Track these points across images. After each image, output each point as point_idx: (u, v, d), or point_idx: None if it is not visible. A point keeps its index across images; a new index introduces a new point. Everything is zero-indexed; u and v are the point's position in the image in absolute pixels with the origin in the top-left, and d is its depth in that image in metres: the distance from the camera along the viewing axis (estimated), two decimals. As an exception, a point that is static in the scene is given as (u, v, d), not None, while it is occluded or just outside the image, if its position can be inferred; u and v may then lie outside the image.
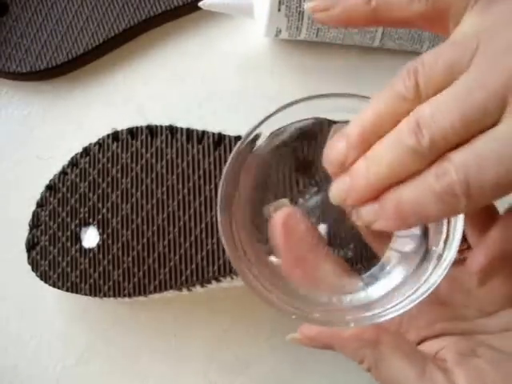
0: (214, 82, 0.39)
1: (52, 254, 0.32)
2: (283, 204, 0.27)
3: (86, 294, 0.32)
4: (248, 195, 0.26)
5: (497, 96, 0.20)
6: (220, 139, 0.33)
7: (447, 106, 0.21)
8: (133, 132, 0.33)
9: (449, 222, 0.25)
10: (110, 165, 0.33)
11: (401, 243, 0.26)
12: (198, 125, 0.34)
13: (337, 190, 0.23)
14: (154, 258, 0.32)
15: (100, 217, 0.32)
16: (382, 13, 0.26)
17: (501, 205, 0.24)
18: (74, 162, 0.33)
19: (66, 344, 0.35)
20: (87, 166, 0.33)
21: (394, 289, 0.25)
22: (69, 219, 0.33)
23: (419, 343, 0.27)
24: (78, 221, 0.32)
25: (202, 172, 0.33)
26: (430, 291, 0.24)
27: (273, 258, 0.26)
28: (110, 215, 0.32)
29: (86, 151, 0.33)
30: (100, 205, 0.32)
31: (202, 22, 0.40)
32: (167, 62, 0.40)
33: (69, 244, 0.32)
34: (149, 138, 0.33)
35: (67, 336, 0.35)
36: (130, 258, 0.32)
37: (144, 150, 0.33)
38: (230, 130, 0.34)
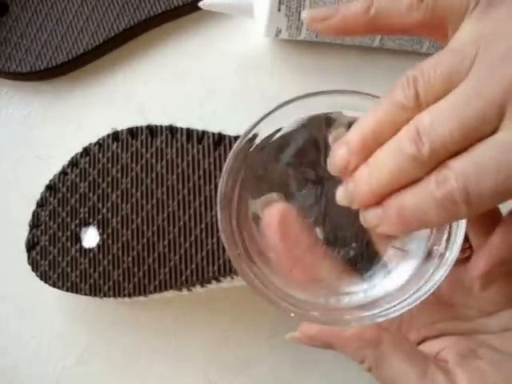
0: (213, 81, 0.39)
1: (52, 253, 0.32)
2: (272, 199, 0.27)
3: (86, 294, 0.32)
4: (247, 194, 0.26)
5: (495, 104, 0.21)
6: (220, 139, 0.33)
7: (446, 115, 0.21)
8: (133, 132, 0.33)
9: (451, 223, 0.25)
10: (110, 165, 0.33)
11: (403, 242, 0.26)
12: (198, 125, 0.34)
13: (343, 195, 0.24)
14: (153, 258, 0.32)
15: (100, 217, 0.32)
16: (381, 21, 0.26)
17: (503, 207, 0.24)
18: (74, 162, 0.33)
19: (66, 344, 0.35)
20: (87, 165, 0.33)
21: (394, 289, 0.25)
22: (69, 219, 0.33)
23: (420, 343, 0.27)
24: (77, 221, 0.32)
25: (201, 172, 0.33)
26: (431, 291, 0.24)
27: (272, 256, 0.26)
28: (110, 215, 0.32)
29: (86, 151, 0.33)
30: (100, 205, 0.32)
31: (202, 22, 0.40)
32: (167, 62, 0.40)
33: (69, 244, 0.32)
34: (149, 138, 0.33)
35: (67, 336, 0.35)
36: (130, 258, 0.32)
37: (144, 150, 0.33)
38: (230, 130, 0.34)
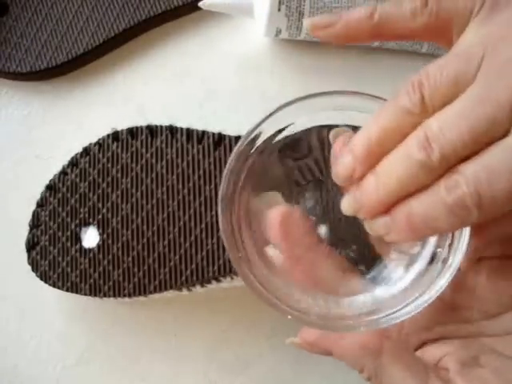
0: (214, 82, 0.39)
1: (52, 253, 0.32)
2: (274, 197, 0.27)
3: (86, 294, 0.32)
4: (249, 192, 0.26)
5: (505, 107, 0.20)
6: (220, 139, 0.33)
7: (455, 119, 0.21)
8: (133, 132, 0.33)
9: None
10: (110, 165, 0.33)
11: (406, 245, 0.26)
12: (197, 125, 0.34)
13: (348, 204, 0.23)
14: (154, 258, 0.32)
15: (100, 217, 0.32)
16: (385, 27, 0.26)
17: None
18: (74, 162, 0.33)
19: (66, 344, 0.35)
20: (87, 165, 0.33)
21: (397, 293, 0.25)
22: (69, 219, 0.33)
23: (421, 346, 0.26)
24: (78, 221, 0.32)
25: (202, 172, 0.33)
26: (435, 297, 0.24)
27: (273, 257, 0.26)
28: (110, 215, 0.32)
29: (86, 151, 0.33)
30: (100, 205, 0.32)
31: (202, 22, 0.40)
32: (167, 61, 0.40)
33: (69, 244, 0.32)
34: (149, 138, 0.33)
35: (67, 336, 0.35)
36: (130, 258, 0.32)
37: (144, 150, 0.33)
38: (230, 130, 0.34)
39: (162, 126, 0.33)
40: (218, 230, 0.32)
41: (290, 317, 0.24)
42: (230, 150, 0.33)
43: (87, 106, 0.39)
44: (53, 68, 0.38)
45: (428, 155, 0.21)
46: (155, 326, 0.35)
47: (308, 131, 0.27)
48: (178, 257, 0.32)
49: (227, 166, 0.25)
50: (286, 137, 0.26)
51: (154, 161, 0.33)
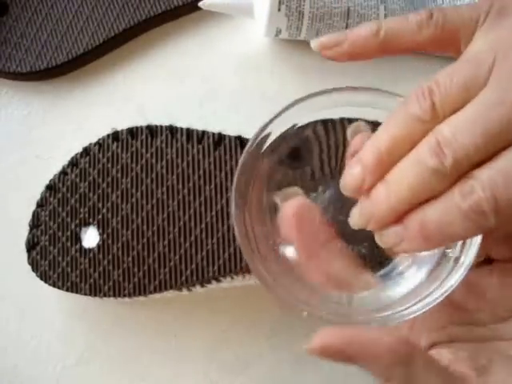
0: (214, 82, 0.39)
1: (52, 253, 0.32)
2: (294, 192, 0.27)
3: (86, 294, 0.32)
4: (262, 187, 0.26)
5: None
6: (220, 139, 0.33)
7: (468, 124, 0.21)
8: (133, 132, 0.33)
9: None
10: (110, 165, 0.33)
11: None
12: (197, 125, 0.34)
13: (358, 216, 0.23)
14: (153, 258, 0.32)
15: (100, 217, 0.32)
16: (391, 42, 0.26)
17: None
18: (74, 162, 0.33)
19: (65, 344, 0.35)
20: (87, 165, 0.33)
21: (408, 290, 0.25)
22: (69, 219, 0.33)
23: (430, 347, 0.26)
24: (78, 221, 0.32)
25: (201, 172, 0.33)
26: (446, 294, 0.23)
27: (285, 253, 0.26)
28: (110, 215, 0.32)
29: (86, 151, 0.33)
30: (100, 205, 0.32)
31: (202, 22, 0.40)
32: (167, 61, 0.40)
33: (69, 244, 0.32)
34: (149, 138, 0.33)
35: (67, 336, 0.35)
36: (130, 258, 0.32)
37: (144, 150, 0.33)
38: (230, 130, 0.33)
39: (162, 126, 0.33)
40: (218, 230, 0.32)
41: (305, 313, 0.24)
42: (230, 150, 0.33)
43: (87, 106, 0.39)
44: (53, 68, 0.38)
45: (440, 161, 0.21)
46: (155, 326, 0.35)
47: (323, 127, 0.27)
48: (178, 257, 0.32)
49: (240, 162, 0.25)
50: (300, 133, 0.26)
51: (154, 161, 0.33)
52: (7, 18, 0.39)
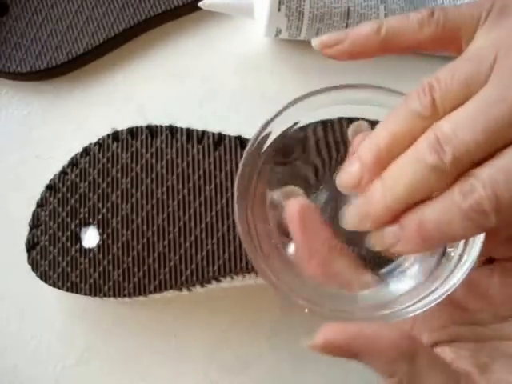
0: (214, 81, 0.39)
1: (52, 253, 0.32)
2: (295, 191, 0.27)
3: (86, 294, 0.32)
4: (265, 185, 0.26)
5: None
6: (220, 139, 0.33)
7: (469, 120, 0.20)
8: (133, 132, 0.33)
9: None
10: (110, 165, 0.33)
11: None
12: (197, 125, 0.34)
13: (353, 215, 0.23)
14: (153, 258, 0.32)
15: (100, 217, 0.32)
16: (392, 41, 0.26)
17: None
18: (74, 162, 0.33)
19: (65, 344, 0.35)
20: (87, 165, 0.33)
21: (409, 289, 0.25)
22: (69, 219, 0.33)
23: (432, 346, 0.26)
24: (78, 221, 0.32)
25: (201, 172, 0.33)
26: (448, 293, 0.23)
27: (288, 251, 0.26)
28: (110, 215, 0.32)
29: (86, 151, 0.33)
30: (100, 205, 0.32)
31: (202, 22, 0.40)
32: (167, 61, 0.40)
33: (69, 244, 0.32)
34: (149, 138, 0.33)
35: (67, 336, 0.35)
36: (130, 258, 0.32)
37: (144, 150, 0.33)
38: (230, 130, 0.33)
39: (162, 126, 0.33)
40: (218, 230, 0.32)
41: (307, 310, 0.24)
42: (230, 150, 0.33)
43: (87, 106, 0.39)
44: (53, 68, 0.38)
45: (440, 158, 0.20)
46: (155, 326, 0.35)
47: (324, 126, 0.26)
48: (178, 257, 0.32)
49: (242, 159, 0.25)
50: (301, 132, 0.26)
51: (154, 161, 0.33)
52: (7, 18, 0.39)
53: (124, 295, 0.31)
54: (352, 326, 0.22)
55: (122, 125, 0.34)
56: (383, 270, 0.26)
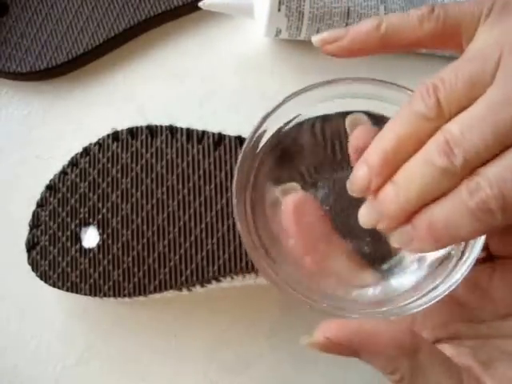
0: (214, 81, 0.39)
1: (52, 253, 0.32)
2: (292, 187, 0.27)
3: (86, 294, 0.32)
4: (265, 181, 0.26)
5: None
6: (220, 139, 0.33)
7: (477, 122, 0.20)
8: (133, 132, 0.33)
9: None
10: (110, 165, 0.33)
11: None
12: (197, 125, 0.34)
13: (368, 216, 0.23)
14: (154, 258, 0.32)
15: (100, 217, 0.32)
16: (392, 37, 0.26)
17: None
18: (74, 162, 0.33)
19: (65, 344, 0.35)
20: (87, 165, 0.33)
21: (410, 285, 0.25)
22: (69, 219, 0.33)
23: (433, 343, 0.26)
24: (78, 221, 0.32)
25: (201, 172, 0.33)
26: (449, 290, 0.23)
27: (286, 244, 0.26)
28: (110, 215, 0.32)
29: (86, 151, 0.33)
30: (100, 205, 0.32)
31: (202, 22, 0.40)
32: (167, 61, 0.40)
33: (69, 244, 0.32)
34: (149, 138, 0.33)
35: (67, 336, 0.35)
36: (130, 258, 0.32)
37: (144, 150, 0.33)
38: (230, 130, 0.33)
39: (162, 126, 0.33)
40: (218, 230, 0.32)
41: (308, 306, 0.24)
42: (230, 150, 0.33)
43: (87, 106, 0.39)
44: (53, 68, 0.38)
45: (450, 160, 0.20)
46: (155, 326, 0.35)
47: (322, 120, 0.27)
48: (178, 257, 0.32)
49: (240, 155, 0.25)
50: (295, 129, 0.26)
51: (154, 161, 0.33)
52: (7, 18, 0.39)
53: (124, 295, 0.31)
54: (352, 322, 0.22)
55: (122, 125, 0.34)
56: (384, 266, 0.26)
